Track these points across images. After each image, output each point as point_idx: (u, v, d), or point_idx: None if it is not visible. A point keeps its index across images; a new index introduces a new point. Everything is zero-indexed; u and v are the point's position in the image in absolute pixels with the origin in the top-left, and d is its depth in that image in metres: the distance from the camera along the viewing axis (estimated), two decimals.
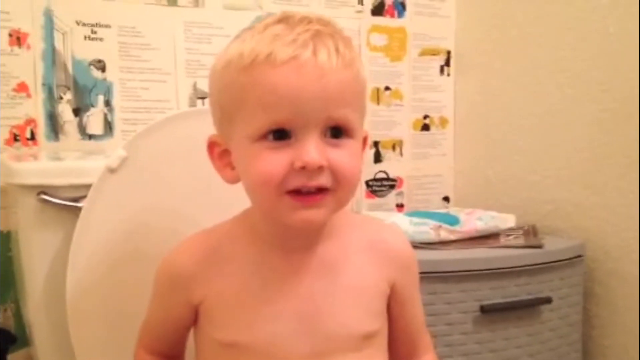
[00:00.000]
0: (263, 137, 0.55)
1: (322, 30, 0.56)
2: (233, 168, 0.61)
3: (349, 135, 0.57)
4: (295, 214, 0.56)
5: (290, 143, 0.55)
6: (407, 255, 0.68)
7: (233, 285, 0.62)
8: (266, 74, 0.54)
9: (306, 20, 0.57)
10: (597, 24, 1.15)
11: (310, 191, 0.56)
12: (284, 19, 0.57)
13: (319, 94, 0.54)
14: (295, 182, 0.55)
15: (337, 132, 0.57)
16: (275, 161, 0.55)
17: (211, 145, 0.62)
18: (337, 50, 0.55)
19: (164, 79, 1.20)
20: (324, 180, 0.55)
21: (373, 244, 0.66)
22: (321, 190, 0.56)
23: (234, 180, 0.61)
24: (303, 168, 0.54)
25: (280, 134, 0.55)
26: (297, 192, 0.56)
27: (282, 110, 0.54)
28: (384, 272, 0.65)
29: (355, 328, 0.63)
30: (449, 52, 1.48)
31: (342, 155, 0.56)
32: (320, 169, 0.55)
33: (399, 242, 0.69)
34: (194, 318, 0.66)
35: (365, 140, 0.63)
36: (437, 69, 1.48)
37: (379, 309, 0.66)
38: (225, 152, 0.61)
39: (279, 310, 0.61)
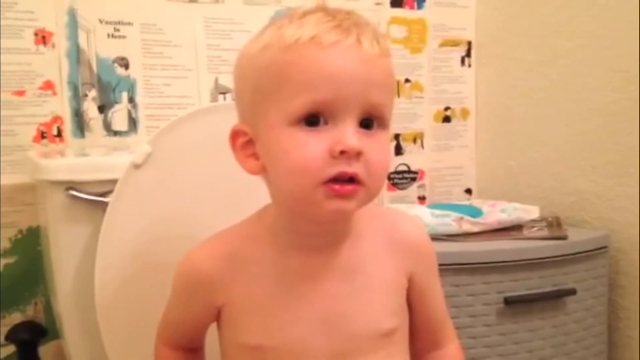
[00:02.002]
0: (300, 120, 0.54)
1: (361, 21, 0.57)
2: (257, 158, 0.59)
3: (382, 126, 0.57)
4: (329, 204, 0.55)
5: (326, 129, 0.54)
6: (422, 244, 0.67)
7: (254, 290, 0.62)
8: (311, 54, 0.54)
9: (344, 11, 0.58)
10: (618, 11, 1.13)
11: (344, 180, 0.54)
12: (323, 9, 0.57)
13: (362, 77, 0.54)
14: (334, 170, 0.54)
15: (370, 122, 0.56)
16: (312, 147, 0.54)
17: (234, 136, 0.61)
18: (377, 40, 0.56)
19: (185, 75, 1.21)
20: (359, 169, 0.54)
21: (389, 235, 0.65)
22: (354, 181, 0.55)
23: (257, 171, 0.60)
24: (342, 153, 0.54)
25: (316, 119, 0.54)
26: (332, 182, 0.54)
27: (326, 90, 0.54)
28: (402, 263, 0.65)
29: (376, 327, 0.63)
30: (469, 43, 1.47)
31: (374, 146, 0.56)
32: (357, 155, 0.54)
33: (414, 230, 0.68)
34: (214, 318, 0.66)
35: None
36: (458, 60, 1.47)
37: (399, 303, 0.66)
38: (249, 143, 0.60)
39: (301, 313, 0.61)
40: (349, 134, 0.54)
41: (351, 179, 0.55)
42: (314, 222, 0.60)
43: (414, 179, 1.44)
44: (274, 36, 0.56)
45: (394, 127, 1.39)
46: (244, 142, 0.60)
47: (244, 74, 0.60)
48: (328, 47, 0.54)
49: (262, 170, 0.59)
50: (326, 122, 0.55)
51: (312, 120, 0.55)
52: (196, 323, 0.68)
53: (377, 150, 0.56)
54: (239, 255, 0.63)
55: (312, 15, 0.56)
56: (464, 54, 1.47)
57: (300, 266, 0.62)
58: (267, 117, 0.57)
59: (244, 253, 0.63)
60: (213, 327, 0.69)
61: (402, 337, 0.67)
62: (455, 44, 1.46)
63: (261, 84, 0.57)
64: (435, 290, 0.69)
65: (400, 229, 0.67)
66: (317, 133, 0.54)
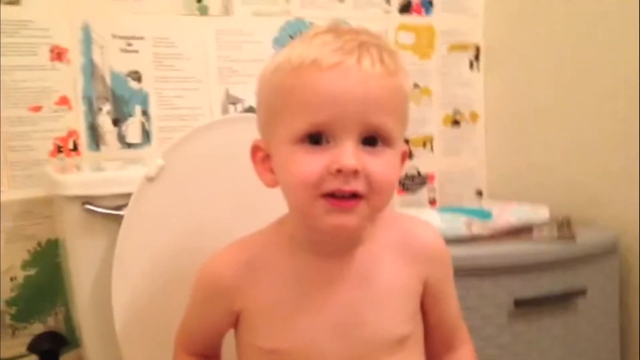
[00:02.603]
0: (302, 139, 0.57)
1: (368, 41, 0.58)
2: (273, 172, 0.62)
3: (387, 144, 0.58)
4: (329, 218, 0.57)
5: (327, 147, 0.57)
6: (438, 249, 0.69)
7: (272, 295, 0.64)
8: (311, 77, 0.56)
9: (354, 31, 0.59)
10: (626, 17, 1.13)
11: (344, 196, 0.56)
12: (333, 29, 0.59)
13: (360, 99, 0.56)
14: (331, 186, 0.56)
15: (374, 140, 0.58)
16: (311, 163, 0.56)
17: (255, 150, 0.64)
18: (381, 59, 0.57)
19: (197, 87, 1.23)
20: (358, 186, 0.56)
21: (405, 241, 0.67)
22: (355, 196, 0.56)
23: (273, 184, 0.63)
24: (339, 171, 0.55)
25: (318, 138, 0.57)
26: (331, 196, 0.56)
27: (323, 113, 0.56)
28: (417, 269, 0.66)
29: (390, 333, 0.64)
30: (477, 47, 1.48)
31: (378, 163, 0.57)
32: (355, 173, 0.56)
33: (430, 236, 0.69)
34: (233, 324, 0.68)
35: (404, 155, 0.63)
36: (467, 65, 1.48)
37: (413, 309, 0.67)
38: (267, 157, 0.63)
39: (317, 319, 0.63)
40: (346, 153, 0.56)
41: (352, 195, 0.56)
42: (323, 234, 0.61)
43: (424, 183, 1.46)
44: (285, 58, 0.59)
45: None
46: (263, 156, 0.63)
47: (260, 93, 0.63)
48: (327, 69, 0.56)
49: (278, 183, 0.62)
50: (328, 141, 0.57)
51: (315, 138, 0.57)
52: (215, 329, 0.70)
53: (380, 167, 0.57)
54: (257, 262, 0.65)
55: (321, 36, 0.59)
56: (472, 58, 1.48)
57: (316, 273, 0.64)
58: (275, 135, 0.60)
59: (262, 260, 0.65)
60: (229, 333, 0.71)
61: (416, 343, 0.68)
62: (463, 48, 1.47)
63: (271, 103, 0.60)
64: (450, 295, 0.71)
65: (415, 235, 0.68)
66: (319, 151, 0.57)
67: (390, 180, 0.59)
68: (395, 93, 0.59)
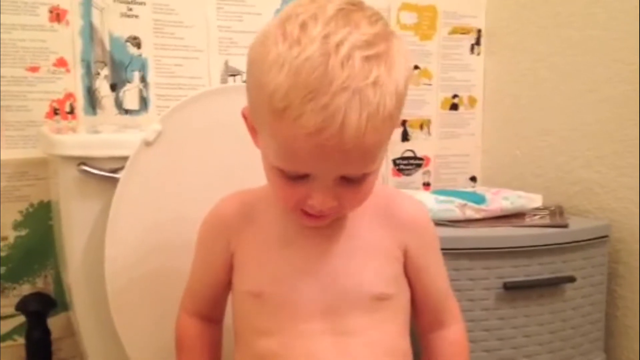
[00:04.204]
0: (279, 170, 0.59)
1: (361, 87, 0.52)
2: None
3: (366, 176, 0.60)
4: (306, 220, 0.63)
5: (305, 181, 0.58)
6: (419, 221, 0.71)
7: (260, 241, 0.68)
8: (292, 134, 0.53)
9: (349, 59, 0.52)
10: (628, 3, 1.14)
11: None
12: (326, 53, 0.52)
13: (340, 163, 0.56)
14: (307, 209, 0.61)
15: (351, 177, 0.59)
16: (287, 191, 0.60)
17: (244, 114, 0.65)
18: (370, 114, 0.53)
19: (196, 56, 1.22)
20: (331, 210, 0.61)
21: (386, 210, 0.69)
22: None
23: None
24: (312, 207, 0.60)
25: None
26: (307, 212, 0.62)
27: (301, 167, 0.57)
28: (396, 236, 0.69)
29: (367, 288, 0.66)
30: (479, 31, 1.48)
31: (355, 192, 0.60)
32: (328, 209, 0.60)
33: (412, 207, 0.71)
34: (230, 270, 0.70)
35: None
36: (468, 48, 1.47)
37: (392, 273, 0.69)
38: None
39: (299, 268, 0.66)
40: (319, 198, 0.59)
41: None
42: None
43: (419, 165, 1.46)
44: (271, 79, 0.53)
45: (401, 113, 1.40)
46: (250, 123, 0.64)
47: (247, 74, 0.61)
48: (308, 136, 0.53)
49: None
50: (306, 175, 0.58)
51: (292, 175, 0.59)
52: (217, 277, 0.72)
53: (356, 195, 0.61)
54: (253, 209, 0.70)
55: (310, 61, 0.52)
56: (473, 42, 1.48)
57: (300, 227, 0.66)
58: (259, 131, 0.61)
59: (257, 208, 0.70)
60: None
61: (398, 308, 0.69)
62: (465, 31, 1.47)
63: (253, 108, 0.60)
64: (433, 269, 0.72)
65: (397, 205, 0.70)
66: (296, 184, 0.59)
67: (365, 198, 0.62)
68: (383, 138, 0.57)
